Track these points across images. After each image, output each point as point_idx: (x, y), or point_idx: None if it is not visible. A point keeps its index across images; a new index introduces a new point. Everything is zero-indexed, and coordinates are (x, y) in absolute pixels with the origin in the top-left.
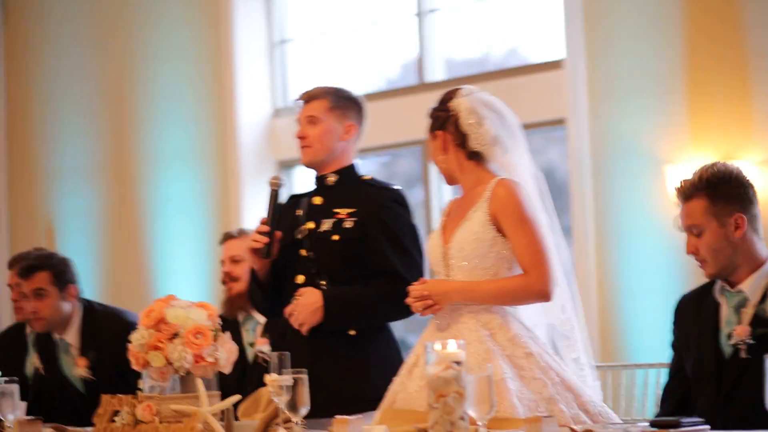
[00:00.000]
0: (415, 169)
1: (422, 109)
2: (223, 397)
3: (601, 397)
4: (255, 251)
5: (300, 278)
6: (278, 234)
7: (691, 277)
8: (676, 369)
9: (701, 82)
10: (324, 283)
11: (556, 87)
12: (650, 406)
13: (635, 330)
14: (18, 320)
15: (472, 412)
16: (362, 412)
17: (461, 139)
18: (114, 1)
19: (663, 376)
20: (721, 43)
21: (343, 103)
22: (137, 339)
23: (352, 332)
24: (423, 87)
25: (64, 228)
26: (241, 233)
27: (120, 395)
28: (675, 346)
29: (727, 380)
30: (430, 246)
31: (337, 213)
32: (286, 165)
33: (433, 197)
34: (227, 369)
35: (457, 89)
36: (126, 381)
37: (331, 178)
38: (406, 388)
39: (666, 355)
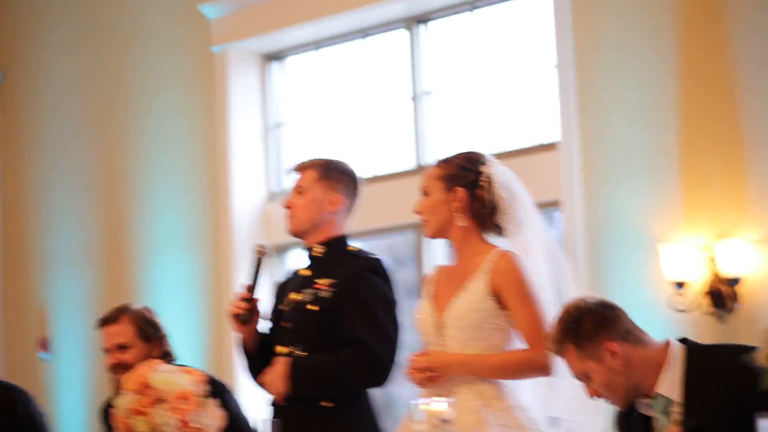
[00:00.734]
0: (410, 250)
1: (417, 193)
2: None
3: None
4: (235, 317)
5: (281, 348)
6: (257, 300)
7: None
8: None
9: (695, 161)
10: (302, 353)
11: (552, 169)
12: None
13: None
14: None
15: None
16: None
17: (484, 209)
18: (108, 89)
19: None
20: (715, 119)
21: (332, 175)
22: (121, 404)
23: (328, 404)
24: (419, 171)
25: (58, 315)
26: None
27: None
28: None
29: None
30: (421, 315)
31: (316, 283)
32: (281, 249)
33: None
34: None
35: (478, 153)
36: None
37: (318, 249)
38: None
39: None
